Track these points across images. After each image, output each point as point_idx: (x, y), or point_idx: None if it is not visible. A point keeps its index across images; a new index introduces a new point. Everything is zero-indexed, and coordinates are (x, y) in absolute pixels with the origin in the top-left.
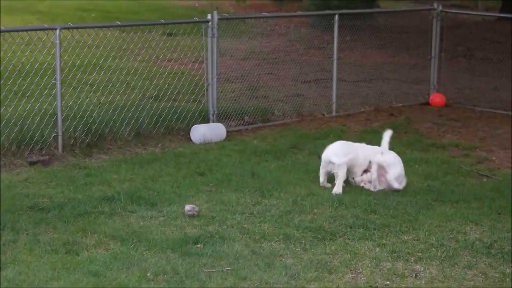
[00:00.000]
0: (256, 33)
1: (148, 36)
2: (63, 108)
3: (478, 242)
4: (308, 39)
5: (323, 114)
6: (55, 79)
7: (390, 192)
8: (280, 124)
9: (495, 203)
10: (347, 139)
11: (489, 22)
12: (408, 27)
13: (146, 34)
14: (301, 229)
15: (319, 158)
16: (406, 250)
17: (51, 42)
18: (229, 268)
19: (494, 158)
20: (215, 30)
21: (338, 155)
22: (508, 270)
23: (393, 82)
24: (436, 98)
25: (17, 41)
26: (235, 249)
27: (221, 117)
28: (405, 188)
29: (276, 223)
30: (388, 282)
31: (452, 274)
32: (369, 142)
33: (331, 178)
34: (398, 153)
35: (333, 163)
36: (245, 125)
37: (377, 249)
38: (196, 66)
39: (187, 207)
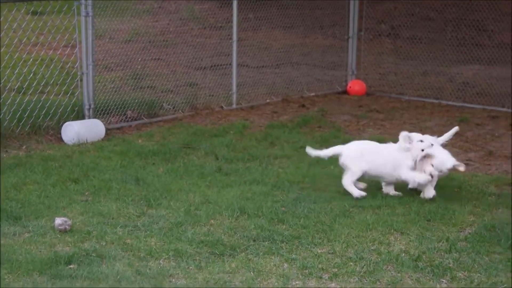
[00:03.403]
0: (141, 10)
1: (7, 15)
2: None
3: (403, 254)
4: (203, 17)
5: (222, 107)
6: None
7: (301, 198)
8: (170, 120)
9: (424, 208)
10: (250, 135)
11: None
12: (322, 3)
13: (5, 12)
14: (195, 243)
15: (217, 158)
16: (320, 266)
17: None
18: None
19: None
20: (89, 8)
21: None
22: (438, 286)
23: (305, 67)
24: (355, 86)
25: None
26: (116, 270)
27: (98, 112)
28: (318, 194)
29: (165, 237)
30: None
31: None
32: (276, 138)
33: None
34: None
35: None
36: (128, 121)
37: (285, 265)
38: (67, 51)
39: (58, 220)
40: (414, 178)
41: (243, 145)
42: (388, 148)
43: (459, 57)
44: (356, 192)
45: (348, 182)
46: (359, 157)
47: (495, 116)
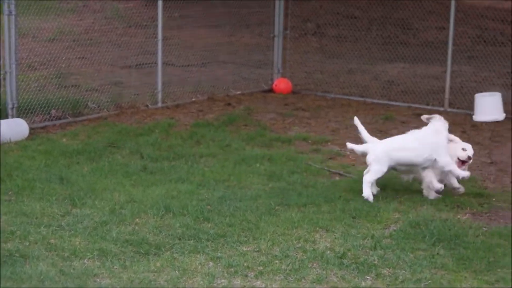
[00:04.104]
0: (65, 9)
1: None
2: None
3: (329, 252)
4: (128, 15)
5: (147, 106)
6: None
7: (227, 196)
8: (95, 118)
9: (349, 206)
10: (175, 134)
11: None
12: (248, 1)
13: None
14: (119, 242)
15: (142, 157)
16: (245, 264)
17: None
18: None
19: (348, 152)
20: (12, 6)
21: None
22: (363, 283)
23: (231, 66)
24: (281, 84)
25: None
26: (40, 270)
27: (22, 111)
28: (244, 192)
29: (90, 237)
30: None
31: None
32: (202, 137)
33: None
34: (235, 149)
35: None
36: (52, 120)
37: (211, 263)
38: None
39: None
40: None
41: (168, 143)
42: (416, 135)
43: (384, 55)
44: (367, 193)
45: (368, 179)
46: (384, 158)
47: (419, 114)
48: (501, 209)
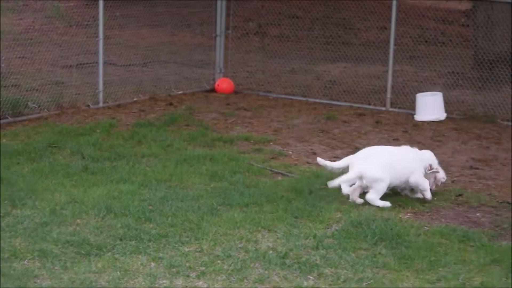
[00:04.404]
0: (5, 8)
1: None
2: None
3: (271, 252)
4: (69, 15)
5: (88, 105)
6: None
7: (169, 196)
8: (36, 119)
9: (292, 206)
10: (117, 134)
11: None
12: (190, 1)
13: None
14: (60, 243)
15: (83, 158)
16: (187, 264)
17: None
18: None
19: (290, 152)
20: None
21: None
22: (305, 283)
23: (172, 65)
24: (223, 84)
25: None
26: None
27: None
28: (186, 192)
29: (30, 238)
30: None
31: None
32: (144, 137)
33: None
34: (177, 149)
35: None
36: None
37: (153, 264)
38: None
39: None
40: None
41: (109, 144)
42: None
43: (326, 55)
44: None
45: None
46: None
47: (361, 113)
48: (442, 208)
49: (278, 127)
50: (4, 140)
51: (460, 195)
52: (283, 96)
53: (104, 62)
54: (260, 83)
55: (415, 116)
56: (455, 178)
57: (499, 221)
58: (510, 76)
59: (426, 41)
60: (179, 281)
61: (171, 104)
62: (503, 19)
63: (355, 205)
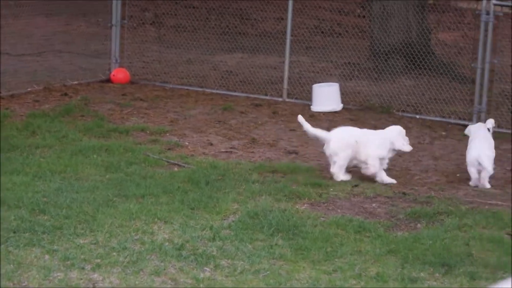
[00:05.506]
0: None
1: None
2: None
3: (167, 243)
4: None
5: None
6: None
7: (64, 188)
8: None
9: (188, 197)
10: (10, 125)
11: None
12: None
13: None
14: None
15: None
16: (82, 257)
17: None
18: None
19: (187, 143)
20: None
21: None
22: (202, 275)
23: (68, 55)
24: (119, 74)
25: None
26: None
27: None
28: (81, 183)
29: None
30: None
31: (137, 282)
32: (38, 128)
33: None
34: (72, 140)
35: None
36: None
37: (47, 256)
38: None
39: None
40: None
41: (3, 135)
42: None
43: (223, 46)
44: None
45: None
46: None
47: (258, 104)
48: (338, 199)
49: (174, 118)
50: None
51: (356, 185)
52: (179, 86)
53: None
54: (156, 74)
55: (311, 106)
56: (351, 169)
57: (395, 211)
58: (405, 67)
59: (322, 32)
60: (74, 274)
61: (66, 94)
62: (398, 10)
63: (252, 196)
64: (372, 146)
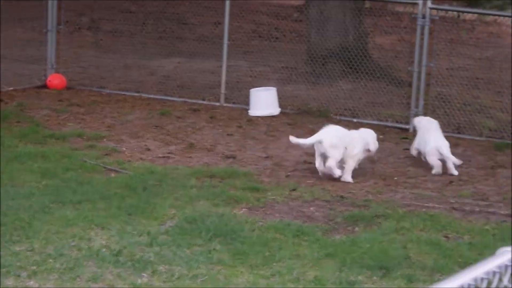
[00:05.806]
0: None
1: None
2: None
3: (104, 250)
4: None
5: None
6: None
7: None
8: None
9: (125, 203)
10: None
11: None
12: None
13: None
14: None
15: None
16: (18, 264)
17: None
18: None
19: (124, 148)
20: None
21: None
22: (139, 281)
23: (2, 61)
24: (55, 80)
25: None
26: None
27: None
28: (17, 190)
29: None
30: None
31: None
32: None
33: None
34: (8, 147)
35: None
36: None
37: None
38: None
39: None
40: None
41: None
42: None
43: (160, 50)
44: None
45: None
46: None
47: (196, 109)
48: (277, 203)
49: (111, 123)
50: None
51: (294, 189)
52: (116, 92)
53: None
54: (93, 79)
55: (249, 111)
56: (289, 173)
57: (332, 215)
58: (342, 71)
59: (259, 36)
60: (10, 281)
61: (1, 100)
62: (336, 14)
63: (189, 201)
64: (358, 146)
